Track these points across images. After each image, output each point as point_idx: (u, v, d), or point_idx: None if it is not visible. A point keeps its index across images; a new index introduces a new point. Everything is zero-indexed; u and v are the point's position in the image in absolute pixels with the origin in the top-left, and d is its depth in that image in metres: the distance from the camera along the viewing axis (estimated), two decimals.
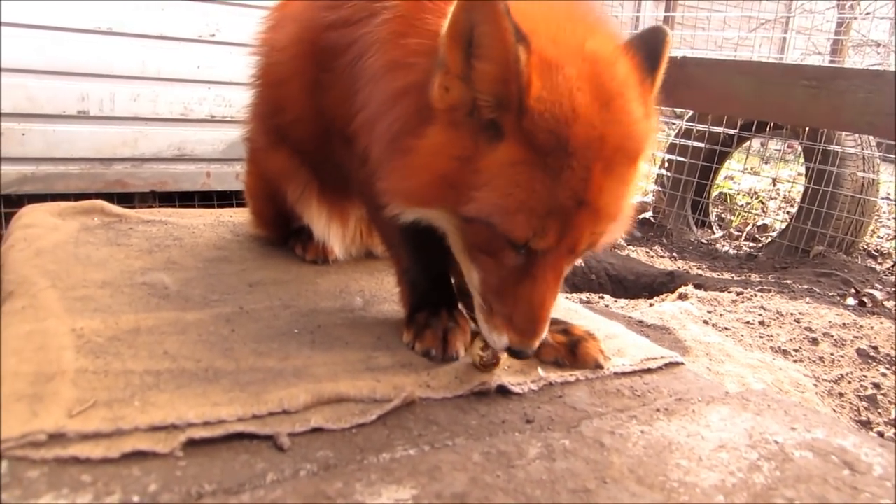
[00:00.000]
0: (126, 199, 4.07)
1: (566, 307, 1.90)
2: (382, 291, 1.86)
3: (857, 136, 4.56)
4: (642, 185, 1.64)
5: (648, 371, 1.55)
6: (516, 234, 1.19)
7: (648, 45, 1.30)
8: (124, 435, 1.09)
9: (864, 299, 3.71)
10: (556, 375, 1.45)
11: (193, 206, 4.25)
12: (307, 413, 1.21)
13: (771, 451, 1.22)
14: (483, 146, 1.19)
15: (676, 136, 5.40)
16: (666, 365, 1.59)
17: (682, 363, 1.62)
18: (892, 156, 5.05)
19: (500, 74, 1.16)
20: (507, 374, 1.41)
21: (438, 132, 1.22)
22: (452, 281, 1.61)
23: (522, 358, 1.32)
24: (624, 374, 1.52)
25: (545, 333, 1.30)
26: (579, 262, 4.24)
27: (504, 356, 1.40)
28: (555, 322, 1.57)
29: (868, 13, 7.52)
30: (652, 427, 1.27)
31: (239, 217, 2.45)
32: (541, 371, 1.45)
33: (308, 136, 1.77)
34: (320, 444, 1.15)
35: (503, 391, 1.37)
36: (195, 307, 1.62)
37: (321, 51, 1.54)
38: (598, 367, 1.51)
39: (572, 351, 1.52)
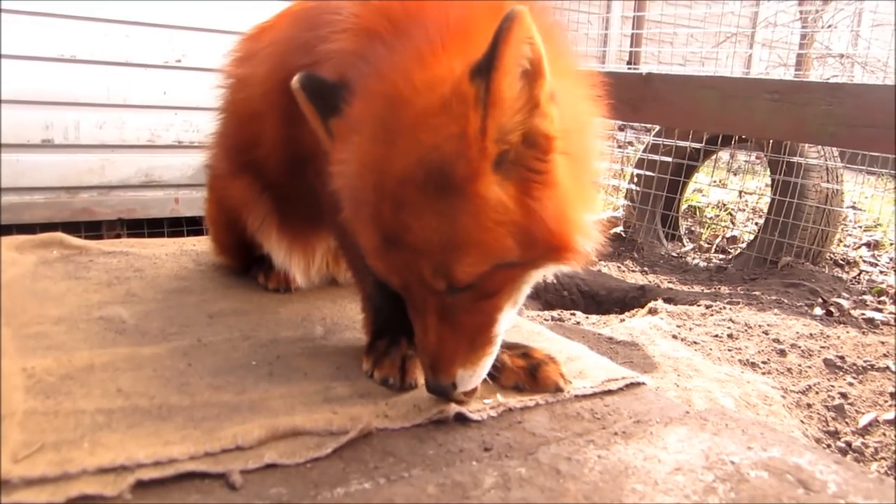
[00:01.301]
0: (93, 227, 4.03)
1: (529, 329, 1.90)
2: (345, 319, 1.85)
3: (820, 147, 4.64)
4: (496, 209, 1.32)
5: (609, 392, 1.55)
6: (374, 272, 1.30)
7: (491, 44, 1.08)
8: (71, 479, 1.07)
9: (832, 309, 3.76)
10: (515, 401, 1.44)
11: (162, 233, 4.23)
12: (261, 448, 1.20)
13: (727, 471, 1.22)
14: None
15: (644, 150, 5.45)
16: (627, 385, 1.59)
17: (644, 383, 1.62)
18: (855, 166, 5.13)
19: (325, 147, 1.32)
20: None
21: None
22: None
23: (433, 393, 1.33)
24: (584, 396, 1.52)
25: (455, 374, 1.27)
26: (550, 277, 4.25)
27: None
28: (515, 346, 1.57)
29: (830, 25, 7.68)
30: (609, 451, 1.27)
31: (202, 245, 2.43)
32: (500, 397, 1.44)
33: (279, 166, 1.77)
34: (274, 481, 1.13)
35: (461, 419, 1.36)
36: (152, 341, 1.60)
37: None
38: (559, 390, 1.50)
39: (532, 375, 1.51)
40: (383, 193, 1.17)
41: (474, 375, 1.30)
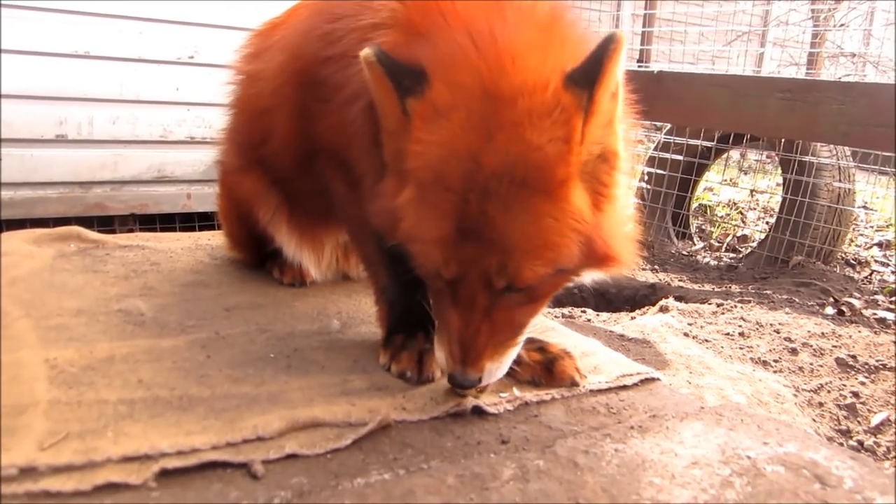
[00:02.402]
0: (106, 222, 4.06)
1: (544, 325, 1.91)
2: (360, 313, 1.86)
3: (832, 146, 4.62)
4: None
5: (624, 388, 1.56)
6: (423, 261, 1.27)
7: (594, 60, 1.17)
8: (96, 467, 1.08)
9: (843, 308, 3.75)
10: (531, 394, 1.45)
11: (174, 228, 4.25)
12: (282, 439, 1.21)
13: (743, 466, 1.23)
14: (402, 187, 1.26)
15: (655, 149, 5.45)
16: (642, 381, 1.60)
17: (658, 378, 1.63)
18: (868, 165, 5.12)
19: (393, 126, 1.26)
20: (483, 395, 1.41)
21: (388, 176, 1.32)
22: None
23: (458, 386, 1.32)
24: (600, 391, 1.53)
25: (483, 369, 1.28)
26: None
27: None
28: (531, 340, 1.58)
29: (842, 25, 7.64)
30: (626, 445, 1.28)
31: (217, 240, 2.45)
32: (516, 390, 1.46)
33: (290, 161, 1.78)
34: (295, 471, 1.15)
35: (479, 412, 1.37)
36: (171, 334, 1.62)
37: (316, 83, 1.55)
38: (574, 384, 1.51)
39: (548, 369, 1.52)
40: (473, 184, 1.16)
41: (499, 370, 1.32)
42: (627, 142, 1.33)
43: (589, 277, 1.41)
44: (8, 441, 1.11)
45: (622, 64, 1.18)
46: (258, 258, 2.12)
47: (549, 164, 1.16)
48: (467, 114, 1.18)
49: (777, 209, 5.10)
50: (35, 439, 1.12)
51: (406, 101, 1.22)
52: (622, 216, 1.31)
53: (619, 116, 1.25)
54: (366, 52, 1.22)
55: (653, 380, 1.61)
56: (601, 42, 1.15)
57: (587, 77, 1.16)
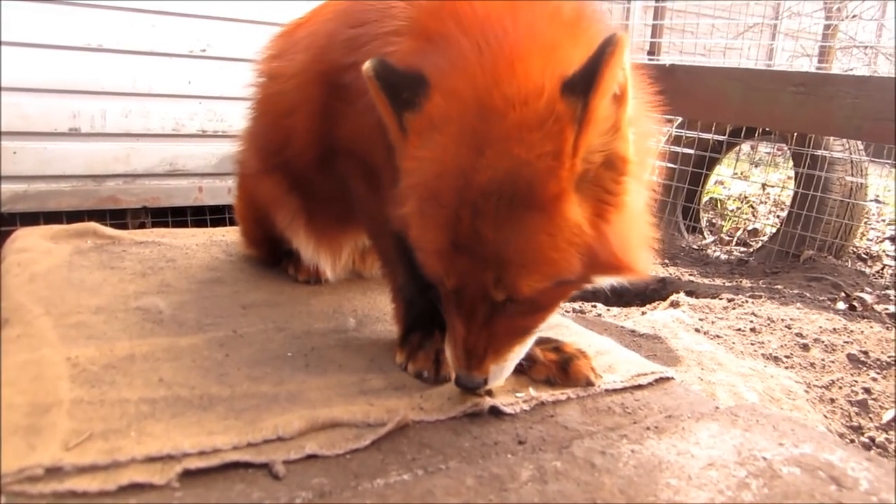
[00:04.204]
0: (118, 215, 4.09)
1: (556, 322, 1.91)
2: (375, 311, 1.87)
3: (844, 140, 4.61)
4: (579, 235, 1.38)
5: (639, 387, 1.57)
6: (427, 271, 1.27)
7: (591, 65, 1.11)
8: (121, 467, 1.10)
9: (854, 303, 3.74)
10: (547, 394, 1.46)
11: (186, 221, 4.28)
12: (302, 439, 1.22)
13: (759, 467, 1.24)
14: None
15: (666, 142, 5.43)
16: (656, 380, 1.60)
17: (673, 378, 1.63)
18: (881, 159, 5.09)
19: (394, 140, 1.28)
20: (499, 395, 1.42)
21: (401, 181, 1.31)
22: None
23: (463, 388, 1.34)
24: (615, 390, 1.54)
25: (487, 371, 1.29)
26: None
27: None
28: (546, 340, 1.59)
29: (854, 15, 7.59)
30: (642, 446, 1.29)
31: (231, 236, 2.46)
32: (532, 390, 1.46)
33: (311, 161, 1.77)
34: (315, 471, 1.16)
35: (495, 412, 1.38)
36: (189, 332, 1.63)
37: (340, 86, 1.55)
38: (590, 384, 1.52)
39: (564, 369, 1.53)
40: (464, 200, 1.15)
41: (504, 371, 1.33)
42: (643, 145, 1.29)
43: (606, 282, 1.40)
44: (34, 440, 1.13)
45: (625, 66, 1.12)
46: (274, 257, 2.13)
47: (539, 179, 1.12)
48: (460, 127, 1.17)
49: (788, 203, 5.09)
50: (60, 439, 1.14)
51: (403, 115, 1.22)
52: (634, 223, 1.28)
53: (627, 120, 1.19)
54: (366, 65, 1.22)
55: (667, 379, 1.62)
56: (599, 45, 1.10)
57: (583, 83, 1.11)
